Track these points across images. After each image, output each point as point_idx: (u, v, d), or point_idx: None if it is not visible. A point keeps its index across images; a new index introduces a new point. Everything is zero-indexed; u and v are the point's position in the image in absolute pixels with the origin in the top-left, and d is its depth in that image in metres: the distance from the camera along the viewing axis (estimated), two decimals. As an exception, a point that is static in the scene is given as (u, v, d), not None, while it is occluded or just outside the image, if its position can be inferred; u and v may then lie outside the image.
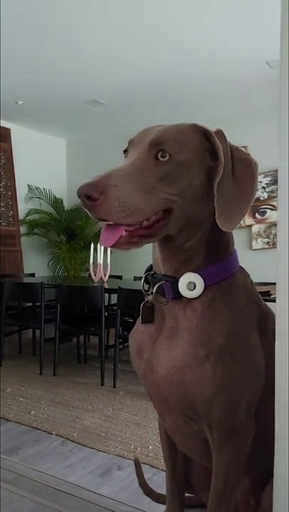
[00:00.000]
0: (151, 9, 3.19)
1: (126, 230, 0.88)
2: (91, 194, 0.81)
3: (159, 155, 0.89)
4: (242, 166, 0.95)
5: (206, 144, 0.95)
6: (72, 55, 4.00)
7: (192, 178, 0.92)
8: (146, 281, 1.08)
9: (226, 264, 1.02)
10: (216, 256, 1.01)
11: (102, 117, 5.76)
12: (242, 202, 0.94)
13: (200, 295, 0.98)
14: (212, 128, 0.98)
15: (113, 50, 3.87)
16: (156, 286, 1.01)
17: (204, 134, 0.95)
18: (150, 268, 1.09)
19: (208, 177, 0.94)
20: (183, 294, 0.98)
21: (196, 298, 0.98)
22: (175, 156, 0.89)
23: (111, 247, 0.89)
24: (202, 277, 0.98)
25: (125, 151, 0.98)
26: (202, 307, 0.98)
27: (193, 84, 4.59)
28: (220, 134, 0.96)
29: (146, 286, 1.08)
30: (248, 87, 4.62)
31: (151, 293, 1.04)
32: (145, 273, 1.09)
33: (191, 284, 0.98)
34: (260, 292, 1.12)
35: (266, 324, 1.04)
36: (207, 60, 4.02)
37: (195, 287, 0.97)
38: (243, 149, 0.99)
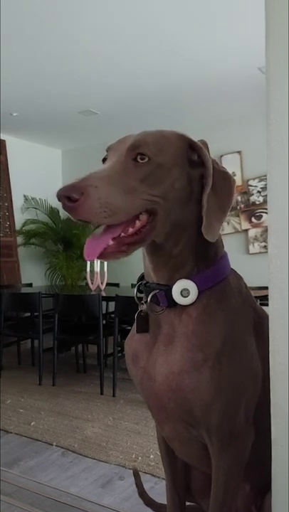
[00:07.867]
0: (145, 19, 3.22)
1: (112, 239, 0.88)
2: (71, 195, 0.80)
3: (138, 158, 0.90)
4: (222, 179, 0.97)
5: (189, 152, 0.96)
6: (66, 66, 4.02)
7: (174, 180, 0.92)
8: (139, 290, 1.08)
9: (217, 267, 1.02)
10: (207, 261, 1.01)
11: (96, 127, 5.79)
12: (221, 213, 0.95)
13: (194, 301, 0.98)
14: (197, 137, 0.99)
15: (106, 60, 3.90)
16: (151, 295, 1.01)
17: (189, 144, 0.96)
18: (142, 277, 1.08)
19: (189, 183, 0.95)
20: (177, 302, 0.98)
21: (190, 304, 0.98)
22: (154, 157, 0.90)
23: (98, 258, 0.87)
24: (195, 283, 0.98)
25: (104, 160, 0.98)
26: (197, 313, 0.98)
27: (187, 91, 4.62)
28: (205, 145, 0.97)
29: (139, 295, 1.07)
30: (240, 92, 4.66)
31: (145, 302, 1.04)
32: (137, 282, 1.08)
33: (185, 291, 0.97)
34: (258, 296, 1.11)
35: (262, 328, 1.04)
36: (199, 67, 4.05)
37: (189, 294, 0.97)
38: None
